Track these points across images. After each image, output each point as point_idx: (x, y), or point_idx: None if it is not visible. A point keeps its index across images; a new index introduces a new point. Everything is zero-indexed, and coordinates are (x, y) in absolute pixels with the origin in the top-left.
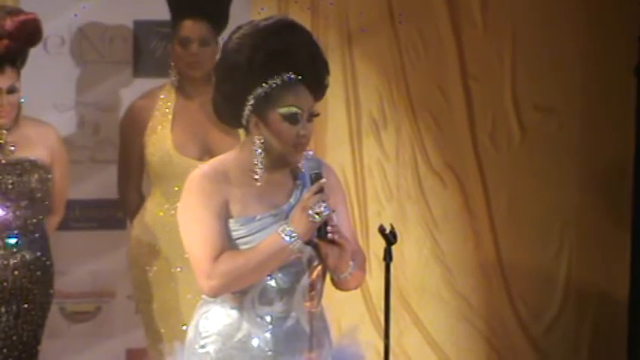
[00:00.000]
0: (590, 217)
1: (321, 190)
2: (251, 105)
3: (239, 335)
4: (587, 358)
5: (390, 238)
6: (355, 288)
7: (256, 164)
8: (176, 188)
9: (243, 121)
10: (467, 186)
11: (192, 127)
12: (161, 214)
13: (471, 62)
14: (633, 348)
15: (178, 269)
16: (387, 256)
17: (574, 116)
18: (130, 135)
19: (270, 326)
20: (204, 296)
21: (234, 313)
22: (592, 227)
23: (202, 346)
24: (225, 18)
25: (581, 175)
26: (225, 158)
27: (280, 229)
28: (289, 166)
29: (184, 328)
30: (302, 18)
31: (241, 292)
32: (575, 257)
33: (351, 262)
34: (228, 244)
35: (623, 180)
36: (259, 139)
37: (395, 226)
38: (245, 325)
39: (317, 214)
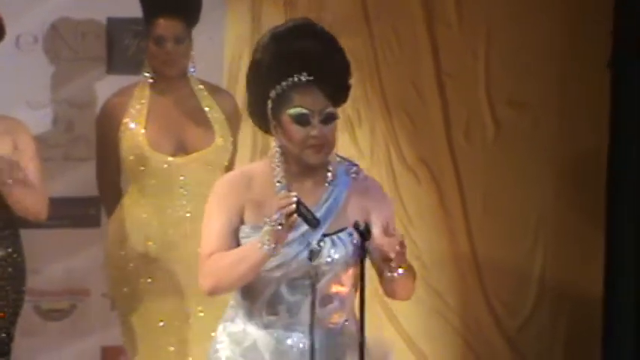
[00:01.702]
0: (565, 214)
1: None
2: (270, 108)
3: (246, 343)
4: (562, 354)
5: (364, 234)
6: (406, 298)
7: (275, 168)
8: (152, 183)
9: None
10: (441, 183)
11: (167, 123)
12: (138, 210)
13: (445, 59)
14: (608, 344)
15: (155, 265)
16: (362, 252)
17: (548, 112)
18: (106, 132)
19: (276, 337)
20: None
21: (244, 321)
22: (567, 223)
23: (216, 351)
24: (197, 15)
25: (555, 171)
26: (256, 164)
27: (263, 231)
28: (317, 173)
29: (161, 324)
30: (276, 15)
31: (251, 301)
32: (549, 254)
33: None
34: (230, 246)
35: (598, 176)
36: (277, 143)
37: None
38: (252, 334)
39: (272, 220)
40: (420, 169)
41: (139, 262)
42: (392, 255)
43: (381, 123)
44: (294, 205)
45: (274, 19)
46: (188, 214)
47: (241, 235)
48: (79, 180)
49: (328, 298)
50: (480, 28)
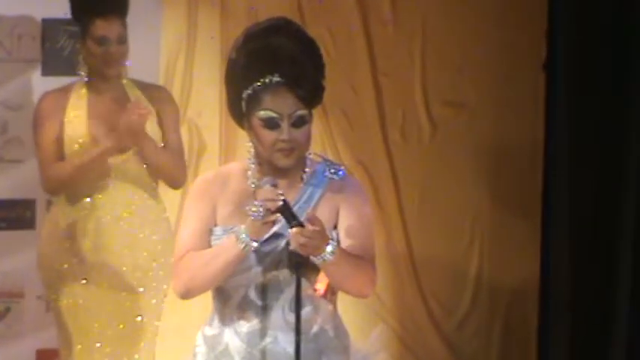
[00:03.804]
0: (501, 212)
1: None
2: (244, 108)
3: (220, 348)
4: (498, 353)
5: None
6: (356, 292)
7: (249, 169)
8: (87, 182)
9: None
10: (378, 182)
11: (105, 121)
12: (72, 210)
13: (381, 59)
14: (543, 342)
15: (89, 265)
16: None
17: (484, 111)
18: (45, 124)
19: (247, 342)
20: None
21: (219, 325)
22: (503, 222)
23: (194, 355)
24: (128, 8)
25: (491, 170)
26: (233, 164)
27: (240, 228)
28: (291, 174)
29: (96, 325)
30: (211, 16)
31: (223, 305)
32: (486, 252)
33: (328, 247)
34: (203, 247)
35: (533, 175)
36: (250, 144)
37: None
38: (225, 338)
39: (254, 210)
40: (357, 169)
41: (73, 263)
42: (293, 245)
43: (317, 123)
44: (280, 203)
45: (210, 21)
46: (125, 214)
47: (212, 237)
48: (14, 182)
49: (300, 302)
50: (415, 28)
